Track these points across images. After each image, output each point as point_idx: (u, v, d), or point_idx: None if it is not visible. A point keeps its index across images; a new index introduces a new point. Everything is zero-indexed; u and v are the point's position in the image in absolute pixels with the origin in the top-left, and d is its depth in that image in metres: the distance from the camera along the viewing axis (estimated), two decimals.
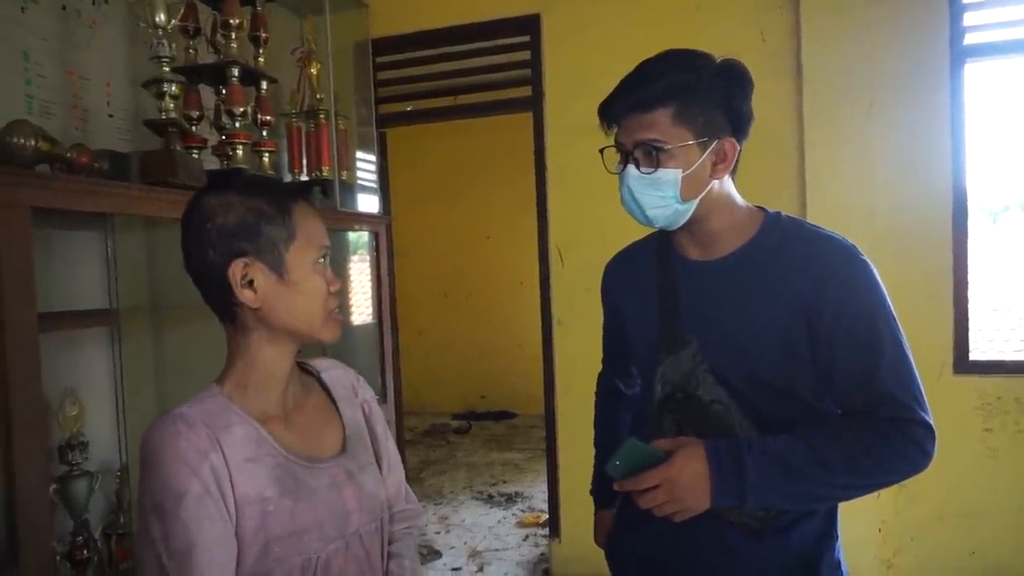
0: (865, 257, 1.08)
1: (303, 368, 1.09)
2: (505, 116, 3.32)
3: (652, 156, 1.06)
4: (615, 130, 1.10)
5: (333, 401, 1.08)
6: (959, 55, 2.52)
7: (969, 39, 2.53)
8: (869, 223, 2.55)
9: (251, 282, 0.92)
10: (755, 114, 1.11)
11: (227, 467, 0.88)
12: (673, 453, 1.03)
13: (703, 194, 1.08)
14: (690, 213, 1.09)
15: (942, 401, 2.69)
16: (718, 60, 1.08)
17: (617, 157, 1.11)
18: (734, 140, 1.08)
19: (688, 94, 1.04)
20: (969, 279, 2.56)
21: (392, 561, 1.08)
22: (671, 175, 1.05)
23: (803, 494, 1.04)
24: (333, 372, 1.12)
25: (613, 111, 1.09)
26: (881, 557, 2.66)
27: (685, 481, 1.01)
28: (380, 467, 1.10)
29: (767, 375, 1.08)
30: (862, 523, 2.59)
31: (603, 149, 1.13)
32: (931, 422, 1.03)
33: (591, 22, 2.94)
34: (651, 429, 1.16)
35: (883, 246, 2.45)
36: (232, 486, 0.88)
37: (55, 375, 1.70)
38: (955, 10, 2.51)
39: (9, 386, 1.26)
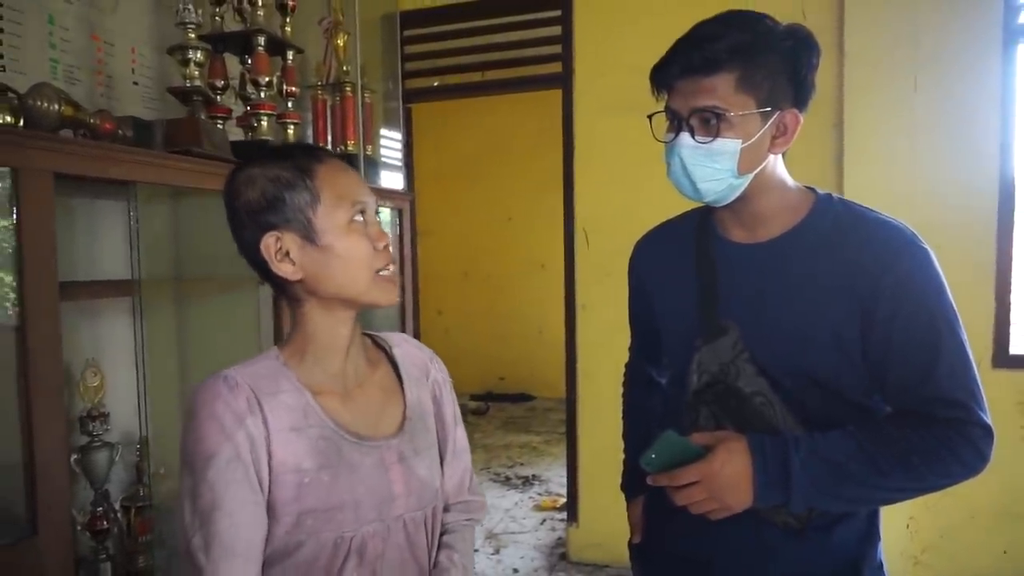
0: (925, 245, 1.01)
1: (375, 342, 1.05)
2: (531, 94, 3.26)
3: (711, 124, 0.97)
4: (665, 96, 1.02)
5: (399, 379, 1.03)
6: (1012, 34, 2.41)
7: None
8: (909, 207, 2.44)
9: (288, 254, 0.88)
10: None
11: (267, 432, 0.86)
12: (713, 448, 0.97)
13: (759, 169, 1.01)
14: (743, 188, 1.02)
15: None
16: (783, 23, 1.00)
17: (665, 125, 1.03)
18: (796, 112, 1.00)
19: (754, 58, 0.95)
20: (1014, 270, 2.47)
21: (442, 552, 1.02)
22: (730, 146, 0.97)
23: (852, 496, 0.98)
24: (405, 348, 1.07)
25: (668, 73, 1.00)
26: (909, 553, 2.60)
27: (726, 478, 0.95)
28: (444, 453, 1.05)
29: (812, 368, 1.01)
30: (890, 518, 2.49)
31: (652, 115, 1.05)
32: (990, 423, 0.96)
33: None
34: (687, 422, 1.10)
35: (923, 231, 2.32)
36: (269, 453, 0.86)
37: (77, 345, 1.68)
38: None
39: (30, 354, 1.23)
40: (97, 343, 1.75)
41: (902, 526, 2.59)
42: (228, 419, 0.84)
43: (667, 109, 1.02)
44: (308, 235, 0.88)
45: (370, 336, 1.05)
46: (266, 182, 0.88)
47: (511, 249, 6.15)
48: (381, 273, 0.92)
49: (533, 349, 6.01)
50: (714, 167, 0.99)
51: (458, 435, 1.08)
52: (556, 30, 2.98)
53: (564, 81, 2.98)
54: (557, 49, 3.00)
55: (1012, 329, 2.51)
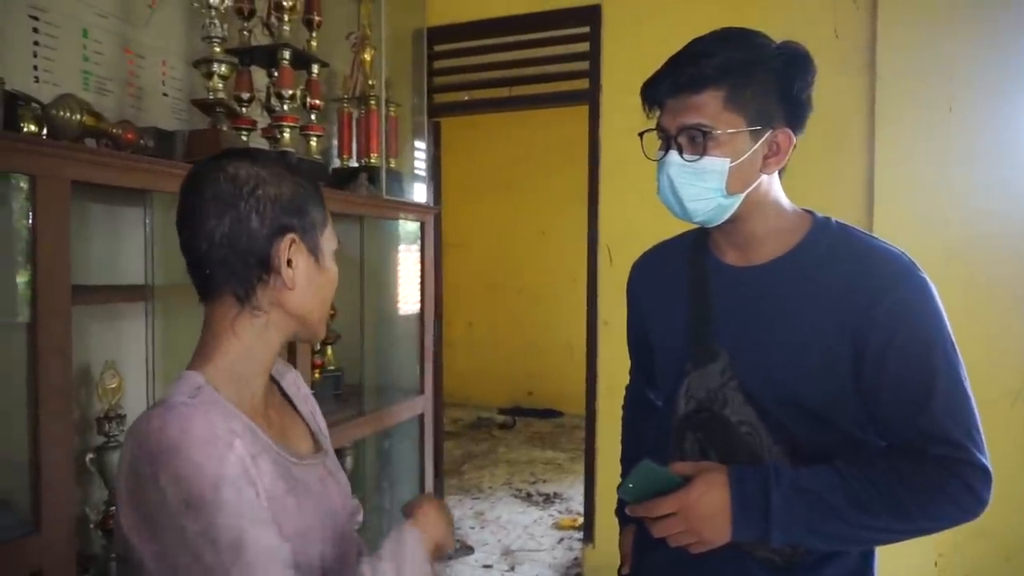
0: (924, 274, 0.97)
1: None
2: (560, 110, 3.25)
3: (698, 142, 0.96)
4: (657, 113, 1.01)
5: (288, 400, 1.01)
6: None
7: None
8: (942, 232, 2.37)
9: (289, 261, 0.85)
10: (818, 108, 1.00)
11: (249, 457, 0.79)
12: (692, 479, 0.94)
13: (750, 189, 0.99)
14: (733, 209, 1.00)
15: (1013, 431, 2.51)
16: (777, 42, 0.98)
17: (658, 143, 1.02)
18: (789, 131, 0.98)
19: (742, 76, 0.94)
20: None
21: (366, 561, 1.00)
22: (717, 164, 0.96)
23: (835, 534, 0.93)
24: (279, 367, 1.03)
25: (657, 91, 0.99)
26: None
27: (703, 511, 0.92)
28: None
29: (803, 398, 0.98)
30: (917, 554, 2.43)
31: (643, 133, 1.03)
32: (988, 465, 0.91)
33: (653, 14, 2.85)
34: (671, 450, 1.08)
35: (957, 258, 2.29)
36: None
37: (97, 346, 1.73)
38: None
39: (39, 355, 1.27)
40: (116, 345, 1.80)
41: (929, 564, 2.49)
42: (223, 436, 0.75)
43: (658, 127, 1.01)
44: (314, 251, 0.88)
45: None
46: (295, 185, 0.86)
47: (542, 263, 6.14)
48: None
49: (562, 365, 5.96)
50: (702, 186, 0.97)
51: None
52: (584, 47, 2.98)
53: (591, 98, 2.97)
54: (585, 66, 3.00)
55: None
